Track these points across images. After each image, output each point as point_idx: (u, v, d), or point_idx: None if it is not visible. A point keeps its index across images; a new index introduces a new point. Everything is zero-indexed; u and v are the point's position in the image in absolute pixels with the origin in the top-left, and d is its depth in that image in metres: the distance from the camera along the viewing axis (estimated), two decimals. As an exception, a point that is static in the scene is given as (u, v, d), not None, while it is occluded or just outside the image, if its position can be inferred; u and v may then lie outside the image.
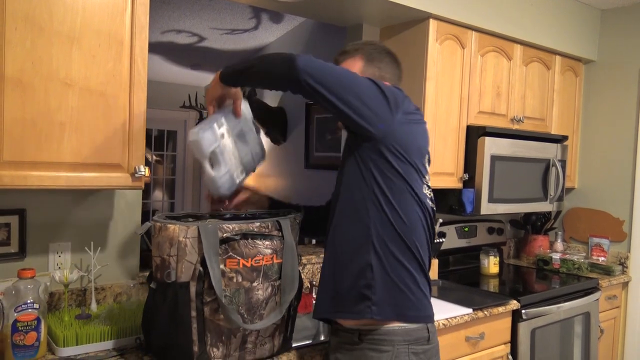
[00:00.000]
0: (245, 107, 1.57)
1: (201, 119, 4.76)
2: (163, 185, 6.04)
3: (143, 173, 1.56)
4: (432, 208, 1.52)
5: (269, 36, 4.61)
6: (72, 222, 1.78)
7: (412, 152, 1.43)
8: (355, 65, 1.52)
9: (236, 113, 1.52)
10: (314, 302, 1.61)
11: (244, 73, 1.41)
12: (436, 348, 1.50)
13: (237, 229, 1.40)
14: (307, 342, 1.71)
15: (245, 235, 1.41)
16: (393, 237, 1.41)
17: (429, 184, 1.52)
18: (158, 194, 6.02)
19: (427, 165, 1.53)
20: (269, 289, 1.46)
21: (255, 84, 1.55)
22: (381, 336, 1.41)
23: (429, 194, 1.51)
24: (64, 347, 1.47)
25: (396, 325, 1.42)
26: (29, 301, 1.42)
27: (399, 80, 1.60)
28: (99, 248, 1.79)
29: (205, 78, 5.73)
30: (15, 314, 1.40)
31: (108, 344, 1.53)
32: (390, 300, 1.40)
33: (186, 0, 3.76)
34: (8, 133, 1.35)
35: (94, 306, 1.71)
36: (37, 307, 1.43)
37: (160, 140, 5.93)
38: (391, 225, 1.40)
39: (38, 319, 1.43)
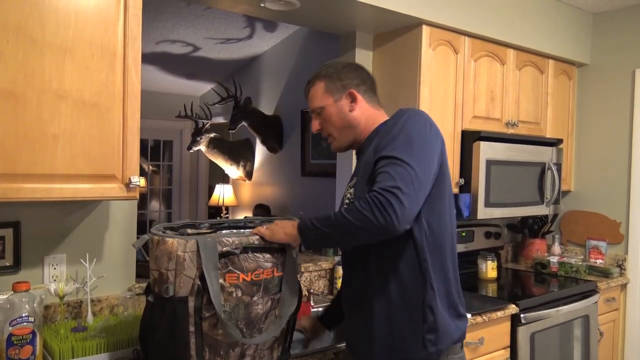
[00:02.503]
0: None
1: (196, 128, 4.77)
2: (160, 196, 6.03)
3: (138, 183, 1.55)
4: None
5: (263, 45, 4.62)
6: (67, 233, 1.77)
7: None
8: (319, 91, 1.52)
9: None
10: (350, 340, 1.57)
11: (329, 238, 1.38)
12: (464, 355, 1.54)
13: (237, 242, 1.37)
14: (305, 350, 1.69)
15: (245, 249, 1.37)
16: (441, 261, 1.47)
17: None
18: (155, 204, 6.00)
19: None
20: (269, 303, 1.43)
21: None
22: None
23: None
24: (60, 360, 1.46)
25: None
26: (24, 314, 1.40)
27: (371, 82, 1.55)
28: (95, 259, 1.77)
29: (200, 87, 5.73)
30: (10, 328, 1.39)
31: (105, 357, 1.52)
32: (448, 333, 1.44)
33: (180, 10, 3.77)
34: (0, 145, 1.34)
35: (90, 318, 1.70)
36: (33, 320, 1.42)
37: (156, 150, 5.92)
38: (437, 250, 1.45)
39: (33, 333, 1.42)
